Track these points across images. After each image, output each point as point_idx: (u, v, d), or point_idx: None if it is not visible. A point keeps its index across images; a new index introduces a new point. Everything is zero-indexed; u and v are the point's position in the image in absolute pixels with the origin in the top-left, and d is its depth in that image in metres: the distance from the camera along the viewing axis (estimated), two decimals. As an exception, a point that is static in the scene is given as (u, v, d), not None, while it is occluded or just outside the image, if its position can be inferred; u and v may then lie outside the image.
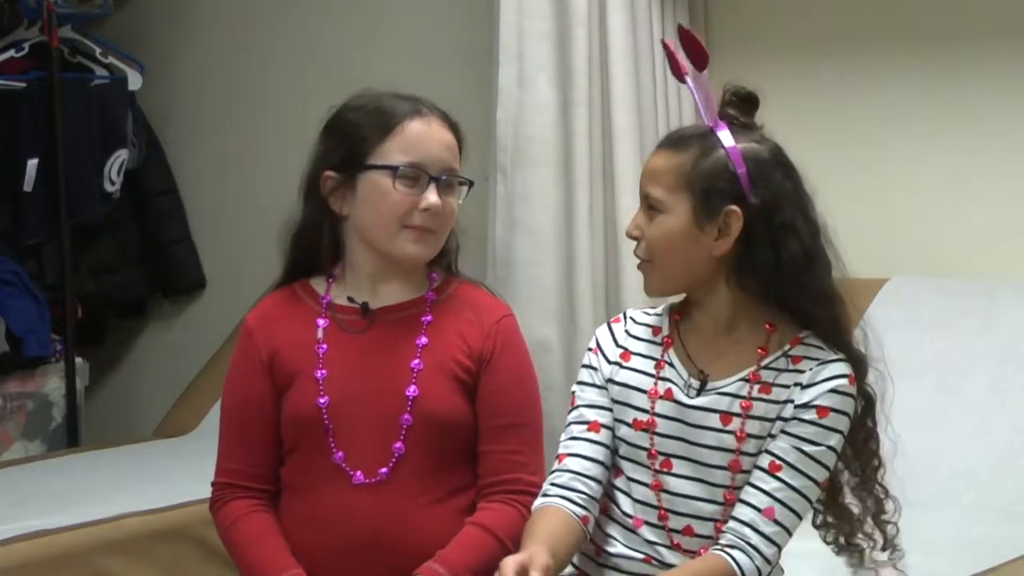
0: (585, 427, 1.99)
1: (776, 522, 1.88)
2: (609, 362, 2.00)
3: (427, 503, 2.15)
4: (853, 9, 3.52)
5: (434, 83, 3.79)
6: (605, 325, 2.05)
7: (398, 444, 2.14)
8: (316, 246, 2.22)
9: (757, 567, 1.86)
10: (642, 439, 1.95)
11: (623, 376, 1.98)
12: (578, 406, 2.01)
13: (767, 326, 1.94)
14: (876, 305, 3.28)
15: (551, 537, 1.88)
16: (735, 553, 1.86)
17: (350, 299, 2.21)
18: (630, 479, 1.96)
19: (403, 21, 4.23)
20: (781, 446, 1.89)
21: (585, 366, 2.03)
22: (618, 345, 2.01)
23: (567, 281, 3.58)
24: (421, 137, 2.15)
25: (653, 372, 1.96)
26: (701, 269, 1.92)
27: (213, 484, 2.26)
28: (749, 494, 1.89)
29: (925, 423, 3.02)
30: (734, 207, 1.89)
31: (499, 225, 3.62)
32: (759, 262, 1.90)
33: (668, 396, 1.94)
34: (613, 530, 1.97)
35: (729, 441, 1.91)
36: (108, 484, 3.45)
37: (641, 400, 1.95)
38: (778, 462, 1.89)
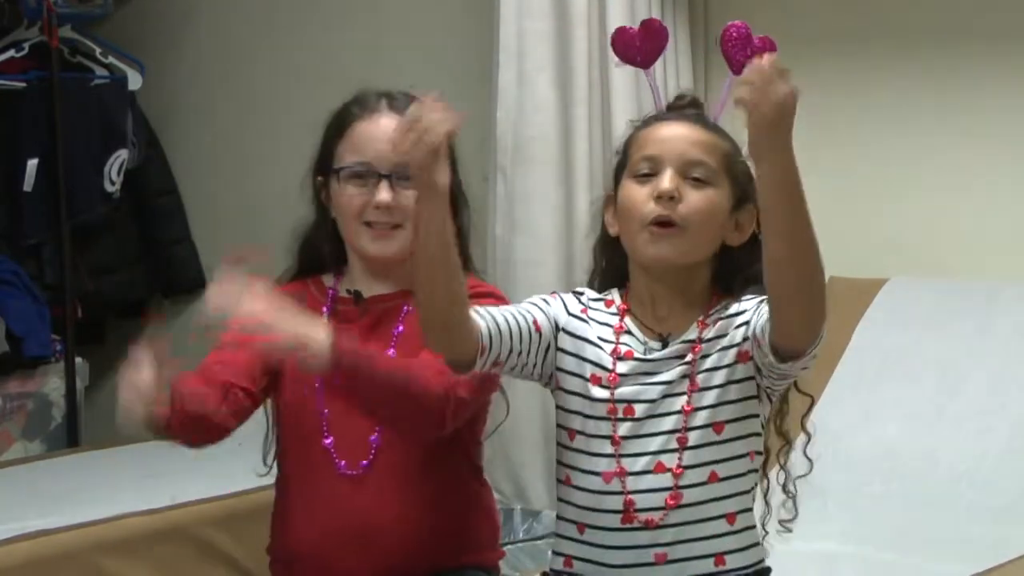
0: (531, 314, 1.94)
1: None
2: (568, 313, 1.98)
3: (405, 494, 2.16)
4: (853, 9, 3.52)
5: (434, 83, 3.79)
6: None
7: (373, 436, 2.16)
8: (318, 247, 2.27)
9: None
10: (601, 393, 1.93)
11: (581, 329, 1.96)
12: (530, 304, 1.97)
13: (713, 298, 1.96)
14: (876, 305, 3.28)
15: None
16: None
17: (348, 291, 2.25)
18: (590, 436, 1.93)
19: (403, 21, 4.23)
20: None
21: (542, 299, 1.99)
22: (580, 302, 1.99)
23: (567, 281, 3.58)
24: (366, 136, 2.19)
25: (612, 339, 1.95)
26: (713, 250, 1.94)
27: None
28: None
29: (925, 423, 3.02)
30: (753, 206, 1.91)
31: (499, 225, 3.63)
32: (744, 255, 1.93)
33: (628, 356, 1.93)
34: (582, 498, 1.94)
35: (685, 369, 1.91)
36: (108, 484, 3.45)
37: (599, 355, 1.94)
38: None
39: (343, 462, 2.17)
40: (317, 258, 2.28)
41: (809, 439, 1.99)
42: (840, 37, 3.53)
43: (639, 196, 1.91)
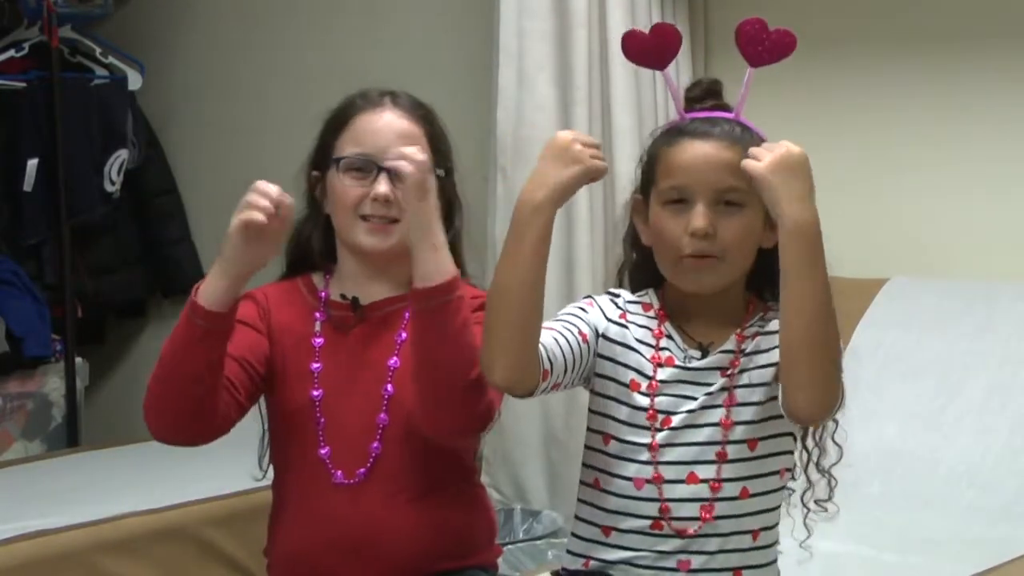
0: (576, 327, 1.92)
1: None
2: (606, 318, 1.95)
3: (405, 501, 2.15)
4: (853, 9, 3.52)
5: (434, 83, 3.79)
6: (602, 293, 2.01)
7: (375, 444, 2.15)
8: (308, 246, 2.25)
9: None
10: (641, 400, 1.91)
11: (621, 335, 1.94)
12: (571, 316, 1.94)
13: (749, 305, 1.96)
14: (876, 305, 3.28)
15: None
16: None
17: (343, 296, 2.22)
18: (625, 442, 1.92)
19: (403, 21, 4.23)
20: None
21: (579, 307, 1.97)
22: (618, 307, 1.97)
23: (567, 281, 3.58)
24: (369, 128, 2.17)
25: (652, 343, 1.93)
26: (751, 262, 1.93)
27: None
28: None
29: (925, 423, 3.02)
30: None
31: (499, 225, 3.62)
32: (775, 252, 1.91)
33: (669, 363, 1.92)
34: (612, 503, 1.94)
35: (725, 383, 1.90)
36: (108, 484, 3.45)
37: (639, 362, 1.92)
38: None
39: (339, 472, 2.15)
40: (307, 256, 2.26)
41: (836, 426, 1.98)
42: (840, 37, 3.53)
43: (673, 229, 1.88)
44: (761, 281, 1.95)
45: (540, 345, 1.84)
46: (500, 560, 2.33)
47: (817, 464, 1.98)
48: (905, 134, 3.46)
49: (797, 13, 3.57)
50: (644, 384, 1.92)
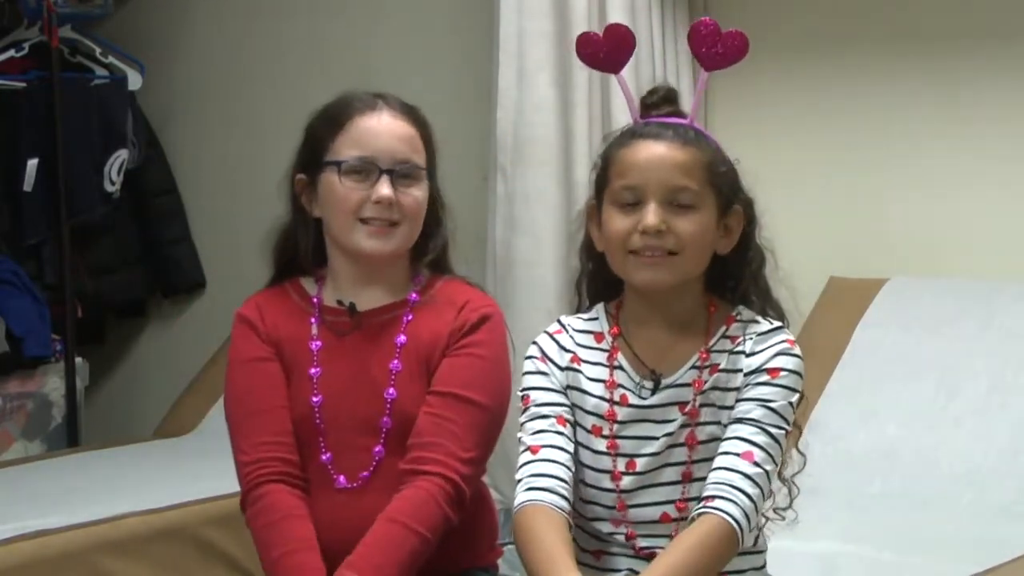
0: (553, 420, 1.94)
1: (756, 464, 1.85)
2: (561, 369, 1.97)
3: None
4: (853, 9, 3.52)
5: (434, 83, 3.80)
6: (544, 335, 2.00)
7: (378, 448, 2.15)
8: (296, 249, 2.23)
9: (745, 511, 1.84)
10: (601, 444, 1.93)
11: (578, 381, 1.96)
12: (538, 404, 1.96)
13: (710, 308, 1.95)
14: (876, 305, 3.28)
15: (569, 548, 1.87)
16: (720, 504, 1.84)
17: (339, 302, 2.21)
18: (592, 487, 1.95)
19: (403, 21, 4.23)
20: (743, 407, 1.89)
21: (533, 372, 1.98)
22: (565, 350, 1.97)
23: (567, 281, 3.57)
24: (369, 131, 2.16)
25: (606, 378, 1.94)
26: (705, 265, 1.93)
27: (245, 469, 2.16)
28: (725, 446, 1.88)
29: (925, 423, 3.02)
30: (738, 206, 1.93)
31: (499, 225, 3.62)
32: (734, 258, 1.94)
33: (623, 402, 1.93)
34: (594, 533, 1.97)
35: (685, 420, 1.91)
36: (108, 484, 3.45)
37: (597, 405, 1.94)
38: (746, 417, 1.88)
39: (341, 477, 2.15)
40: (296, 263, 2.24)
41: (800, 434, 1.99)
42: (839, 37, 3.53)
43: (624, 227, 1.89)
44: (720, 284, 1.96)
45: (565, 503, 1.90)
46: (500, 561, 2.33)
47: (779, 473, 1.97)
48: (905, 134, 3.46)
49: (796, 13, 3.58)
50: (604, 427, 1.93)
